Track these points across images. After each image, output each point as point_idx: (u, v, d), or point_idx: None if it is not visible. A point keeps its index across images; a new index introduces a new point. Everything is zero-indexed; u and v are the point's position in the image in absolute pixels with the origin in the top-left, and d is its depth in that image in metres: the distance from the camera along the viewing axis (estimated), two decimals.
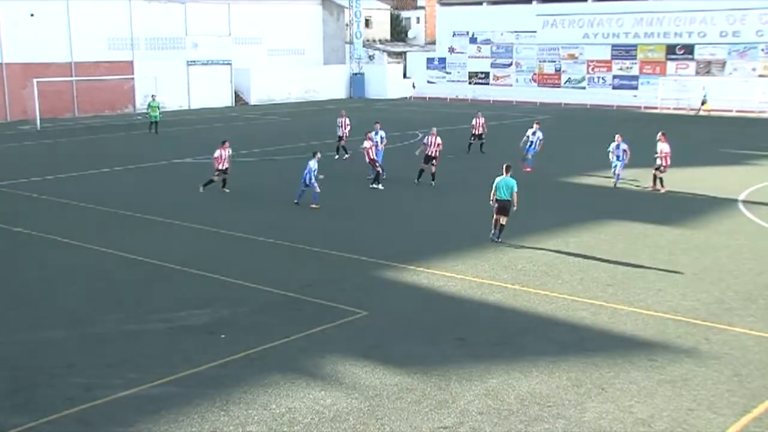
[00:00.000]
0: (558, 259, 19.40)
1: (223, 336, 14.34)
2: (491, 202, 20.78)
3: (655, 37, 68.03)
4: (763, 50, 64.00)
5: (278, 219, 23.79)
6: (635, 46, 69.09)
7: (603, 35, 69.94)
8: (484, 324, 15.03)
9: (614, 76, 70.26)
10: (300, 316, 15.40)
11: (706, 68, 66.55)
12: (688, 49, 67.36)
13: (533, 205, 23.83)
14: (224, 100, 65.69)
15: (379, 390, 12.08)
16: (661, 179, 27.68)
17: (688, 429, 10.80)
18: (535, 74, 73.60)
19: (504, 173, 20.70)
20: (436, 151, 28.80)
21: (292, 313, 15.61)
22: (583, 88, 71.36)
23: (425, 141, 29.20)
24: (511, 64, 74.72)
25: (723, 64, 65.76)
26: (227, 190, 27.38)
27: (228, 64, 66.33)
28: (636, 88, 69.04)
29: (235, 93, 67.37)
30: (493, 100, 70.36)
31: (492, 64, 75.63)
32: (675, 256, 19.55)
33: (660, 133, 27.97)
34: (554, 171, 32.00)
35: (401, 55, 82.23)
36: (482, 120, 37.51)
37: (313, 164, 24.86)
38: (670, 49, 67.92)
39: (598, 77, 71.05)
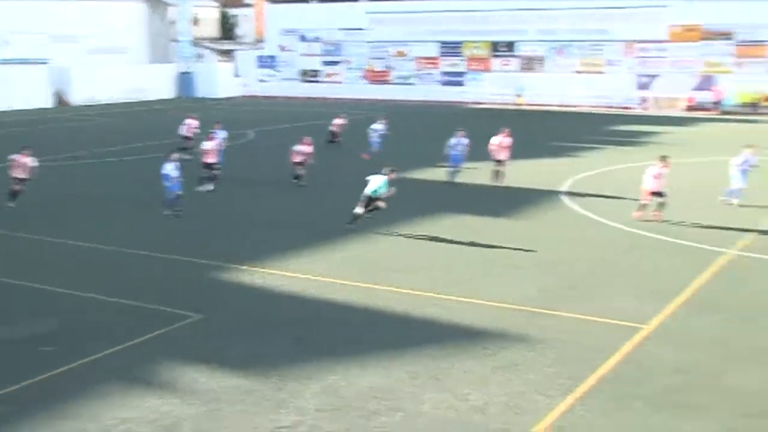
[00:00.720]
0: (388, 253, 19.70)
1: (50, 348, 13.64)
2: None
3: (480, 35, 70.33)
4: (577, 48, 67.45)
5: (109, 223, 22.89)
6: (461, 43, 71.15)
7: (431, 33, 71.61)
8: (324, 322, 15.06)
9: (442, 73, 72.14)
10: (133, 322, 14.88)
11: (528, 64, 69.47)
12: (511, 47, 70.04)
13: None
14: (42, 101, 62.40)
15: (218, 394, 11.86)
16: (499, 172, 28.49)
17: (519, 412, 11.22)
18: (365, 71, 74.49)
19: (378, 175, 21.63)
20: (304, 158, 28.30)
21: (125, 319, 15.07)
22: (412, 84, 72.86)
23: (296, 149, 28.48)
24: (341, 62, 75.28)
25: (543, 60, 68.86)
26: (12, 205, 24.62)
27: (44, 63, 63.02)
28: (463, 84, 71.18)
29: (57, 94, 64.21)
30: (324, 98, 70.65)
31: (323, 61, 75.91)
32: (506, 248, 20.27)
33: (503, 131, 28.79)
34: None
35: (230, 53, 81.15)
36: (342, 120, 38.25)
37: (169, 168, 23.41)
38: (494, 47, 70.40)
39: (427, 74, 72.73)
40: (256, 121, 50.95)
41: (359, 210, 21.39)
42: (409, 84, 72.78)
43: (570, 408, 11.35)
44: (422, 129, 47.13)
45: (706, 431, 10.68)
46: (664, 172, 22.72)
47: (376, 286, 17.02)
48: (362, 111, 54.40)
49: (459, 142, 29.20)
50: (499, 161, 28.53)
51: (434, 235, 21.42)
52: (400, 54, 73.12)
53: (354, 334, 14.40)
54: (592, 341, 13.88)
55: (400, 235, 21.46)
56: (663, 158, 23.06)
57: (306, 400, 11.62)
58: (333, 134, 38.43)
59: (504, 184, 28.27)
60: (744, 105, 60.49)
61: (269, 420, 11.02)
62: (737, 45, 62.61)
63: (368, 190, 21.42)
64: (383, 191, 21.45)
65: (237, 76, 76.56)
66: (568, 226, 22.69)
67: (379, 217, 21.83)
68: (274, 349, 13.64)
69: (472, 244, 20.54)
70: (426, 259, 19.26)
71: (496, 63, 70.20)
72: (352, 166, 31.08)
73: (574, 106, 62.80)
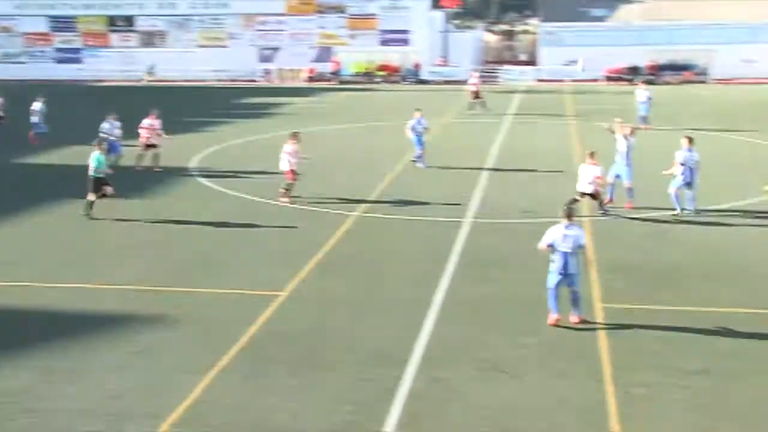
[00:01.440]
0: (8, 248, 18.27)
1: None
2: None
3: (95, 9, 67.28)
4: (199, 22, 67.23)
5: None
6: (75, 17, 67.51)
7: (39, 7, 66.98)
8: None
9: (56, 49, 67.96)
10: None
11: (149, 40, 67.84)
12: (130, 21, 67.90)
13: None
14: None
15: None
16: (156, 155, 26.74)
17: (161, 394, 10.98)
18: None
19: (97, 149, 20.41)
20: None
21: None
22: (23, 62, 67.79)
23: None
24: None
25: (165, 35, 67.67)
26: None
27: None
28: (81, 61, 67.73)
29: None
30: None
31: None
32: (133, 230, 19.69)
33: (152, 113, 27.13)
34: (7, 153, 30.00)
35: None
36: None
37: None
38: (112, 21, 67.79)
39: (39, 51, 68.07)
40: None
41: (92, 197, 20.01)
42: (20, 63, 67.61)
43: (212, 382, 11.35)
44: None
45: (341, 386, 11.26)
46: (296, 148, 22.67)
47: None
48: None
49: (113, 125, 27.02)
50: (151, 145, 26.89)
51: (42, 222, 20.24)
52: (5, 29, 67.55)
53: None
54: (231, 314, 13.97)
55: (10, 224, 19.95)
56: (294, 135, 22.81)
57: None
58: None
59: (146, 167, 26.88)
60: (358, 74, 64.53)
61: None
62: (349, 18, 66.48)
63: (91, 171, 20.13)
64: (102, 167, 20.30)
65: None
66: (197, 201, 22.58)
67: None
68: None
69: (89, 228, 19.68)
70: (32, 247, 18.08)
71: (115, 38, 67.66)
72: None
73: (200, 81, 62.60)
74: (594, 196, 19.98)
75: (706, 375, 11.44)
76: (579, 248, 13.07)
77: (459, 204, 21.57)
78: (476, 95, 42.25)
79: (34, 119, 32.87)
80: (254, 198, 22.63)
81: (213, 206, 21.99)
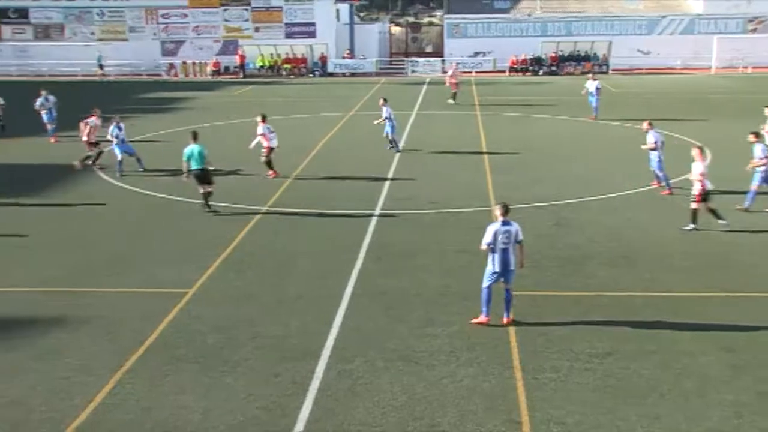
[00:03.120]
0: None
1: None
2: (184, 175, 19.92)
3: None
4: (98, 14, 65.50)
5: None
6: None
7: None
8: None
9: None
10: None
11: (44, 32, 65.75)
12: (23, 13, 65.68)
13: None
14: None
15: None
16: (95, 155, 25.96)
17: (65, 397, 10.67)
18: None
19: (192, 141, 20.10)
20: None
21: None
22: None
23: None
24: None
25: (62, 28, 65.66)
26: None
27: None
28: None
29: None
30: None
31: None
32: (35, 228, 19.08)
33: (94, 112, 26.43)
34: None
35: None
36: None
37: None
38: (4, 13, 65.47)
39: None
40: None
41: None
42: None
43: (119, 382, 11.09)
44: None
45: (251, 383, 11.14)
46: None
47: None
48: None
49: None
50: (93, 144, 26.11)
51: None
52: None
53: None
54: (138, 313, 13.67)
55: None
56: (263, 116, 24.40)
57: None
58: None
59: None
60: (263, 67, 63.93)
61: None
62: (253, 10, 65.77)
63: None
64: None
65: None
66: (103, 199, 21.99)
67: None
68: None
69: None
70: None
71: (7, 31, 65.32)
72: None
73: (105, 76, 60.95)
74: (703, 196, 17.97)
75: (610, 357, 11.76)
76: (517, 243, 12.75)
77: (368, 197, 21.64)
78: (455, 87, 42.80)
79: (46, 114, 31.72)
80: (158, 194, 22.18)
81: (117, 204, 21.46)
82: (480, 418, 10.14)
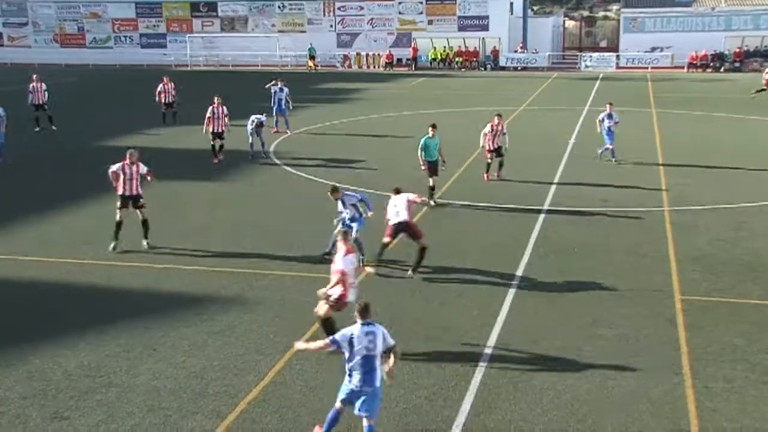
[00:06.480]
0: (97, 227, 18.73)
1: None
2: (421, 166, 20.16)
3: None
4: (279, 7, 67.88)
5: None
6: (160, 4, 68.96)
7: None
8: (23, 303, 14.03)
9: (141, 35, 69.55)
10: None
11: (230, 25, 68.83)
12: (212, 7, 68.99)
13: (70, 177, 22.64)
14: None
15: None
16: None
17: (238, 373, 11.21)
18: (56, 34, 69.96)
19: (430, 133, 20.07)
20: None
21: None
22: (110, 48, 69.60)
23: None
24: (27, 24, 70.09)
25: (246, 20, 68.54)
26: None
27: None
28: (165, 46, 69.13)
29: None
30: (10, 63, 65.50)
31: (4, 23, 70.26)
32: (218, 211, 20.06)
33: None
34: (90, 136, 30.86)
35: None
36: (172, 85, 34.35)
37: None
38: (195, 7, 68.98)
39: (125, 36, 69.74)
40: None
41: None
42: (107, 48, 69.42)
43: (288, 363, 11.52)
44: (126, 93, 45.15)
45: (415, 372, 11.27)
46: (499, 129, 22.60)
47: (69, 261, 16.14)
48: (58, 76, 51.02)
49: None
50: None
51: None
52: (94, 15, 69.39)
53: (56, 313, 13.55)
54: (309, 297, 14.09)
55: (102, 206, 20.50)
56: (498, 116, 23.02)
57: (8, 388, 10.79)
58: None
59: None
60: (435, 60, 64.34)
61: None
62: (427, 3, 66.22)
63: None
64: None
65: None
66: (279, 187, 22.85)
67: (68, 191, 20.53)
68: None
69: (184, 209, 20.13)
70: (125, 231, 18.54)
71: (197, 24, 68.88)
72: None
73: (280, 66, 63.21)
74: None
75: None
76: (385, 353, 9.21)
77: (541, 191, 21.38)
78: None
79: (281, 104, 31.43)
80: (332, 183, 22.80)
81: (292, 191, 22.21)
82: (645, 424, 9.85)
